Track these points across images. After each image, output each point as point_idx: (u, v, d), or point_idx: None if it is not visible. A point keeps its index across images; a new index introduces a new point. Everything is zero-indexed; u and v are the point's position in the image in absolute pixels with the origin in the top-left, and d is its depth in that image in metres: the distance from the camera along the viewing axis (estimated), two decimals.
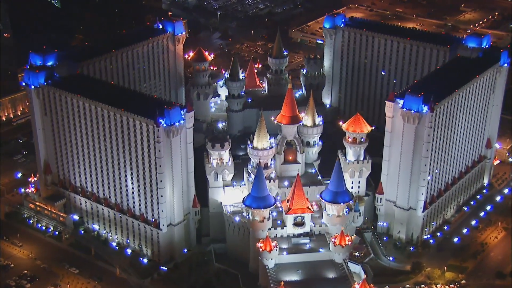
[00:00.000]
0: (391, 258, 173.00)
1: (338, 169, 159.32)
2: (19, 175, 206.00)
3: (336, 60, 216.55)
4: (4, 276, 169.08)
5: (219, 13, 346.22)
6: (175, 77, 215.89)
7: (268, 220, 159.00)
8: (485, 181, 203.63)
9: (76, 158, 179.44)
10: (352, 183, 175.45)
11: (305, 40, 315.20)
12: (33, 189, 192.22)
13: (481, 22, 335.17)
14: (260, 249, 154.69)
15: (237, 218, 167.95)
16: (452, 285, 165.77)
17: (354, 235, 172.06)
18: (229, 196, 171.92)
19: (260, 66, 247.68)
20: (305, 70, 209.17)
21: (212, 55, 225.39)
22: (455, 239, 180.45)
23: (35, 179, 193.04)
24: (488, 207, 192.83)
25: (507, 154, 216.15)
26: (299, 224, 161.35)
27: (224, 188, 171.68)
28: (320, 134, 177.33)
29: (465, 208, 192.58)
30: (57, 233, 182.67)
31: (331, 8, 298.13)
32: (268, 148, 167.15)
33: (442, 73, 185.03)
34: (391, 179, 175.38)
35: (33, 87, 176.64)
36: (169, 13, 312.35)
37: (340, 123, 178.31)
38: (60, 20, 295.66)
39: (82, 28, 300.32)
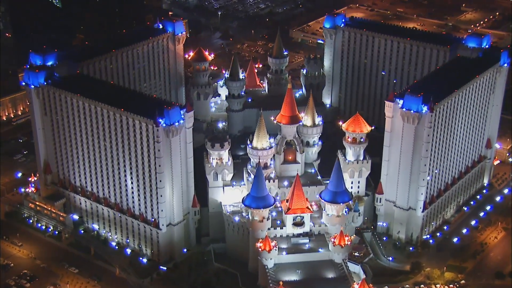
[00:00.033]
0: (390, 258, 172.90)
1: (338, 169, 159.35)
2: (19, 174, 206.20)
3: (336, 60, 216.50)
4: (4, 275, 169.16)
5: (219, 13, 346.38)
6: (175, 77, 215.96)
7: (267, 220, 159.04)
8: (485, 181, 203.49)
9: (76, 158, 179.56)
10: (352, 183, 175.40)
11: (306, 40, 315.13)
12: (33, 189, 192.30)
13: (482, 22, 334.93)
14: (260, 249, 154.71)
15: (236, 218, 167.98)
16: (451, 285, 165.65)
17: (354, 235, 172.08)
18: (228, 196, 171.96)
19: (260, 66, 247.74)
20: (305, 70, 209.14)
21: (212, 55, 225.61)
22: (455, 239, 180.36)
23: (35, 178, 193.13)
24: (488, 207, 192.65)
25: (507, 154, 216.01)
26: (298, 224, 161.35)
27: (223, 188, 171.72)
28: (320, 134, 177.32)
29: (465, 208, 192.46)
30: (56, 232, 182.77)
31: (332, 8, 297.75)
32: (268, 148, 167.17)
33: (442, 73, 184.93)
34: (390, 179, 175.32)
35: (33, 86, 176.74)
36: (170, 13, 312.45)
37: (340, 123, 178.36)
38: (60, 20, 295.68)
39: (83, 28, 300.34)
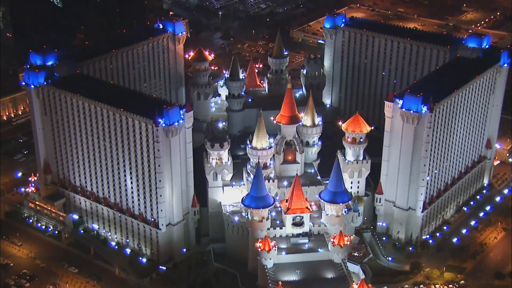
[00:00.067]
0: (390, 258, 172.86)
1: (337, 169, 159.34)
2: (19, 174, 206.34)
3: (337, 60, 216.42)
4: (4, 275, 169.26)
5: (220, 13, 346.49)
6: (175, 77, 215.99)
7: (267, 220, 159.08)
8: (485, 182, 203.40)
9: (76, 157, 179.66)
10: (352, 183, 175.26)
11: (306, 40, 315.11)
12: (33, 189, 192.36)
13: (482, 22, 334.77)
14: (259, 249, 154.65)
15: (236, 218, 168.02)
16: (451, 286, 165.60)
17: (353, 235, 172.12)
18: (228, 196, 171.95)
19: (260, 66, 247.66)
20: (305, 70, 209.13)
21: (212, 55, 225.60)
22: (455, 240, 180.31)
23: (35, 178, 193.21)
24: (488, 208, 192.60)
25: (507, 154, 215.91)
26: (298, 224, 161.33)
27: (223, 188, 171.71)
28: (320, 134, 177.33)
29: (465, 209, 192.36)
30: (56, 232, 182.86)
31: (332, 8, 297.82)
32: (267, 148, 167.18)
33: (442, 73, 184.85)
34: (390, 179, 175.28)
35: (33, 86, 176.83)
36: (171, 13, 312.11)
37: (340, 123, 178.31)
38: (60, 19, 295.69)
39: (83, 28, 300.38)
